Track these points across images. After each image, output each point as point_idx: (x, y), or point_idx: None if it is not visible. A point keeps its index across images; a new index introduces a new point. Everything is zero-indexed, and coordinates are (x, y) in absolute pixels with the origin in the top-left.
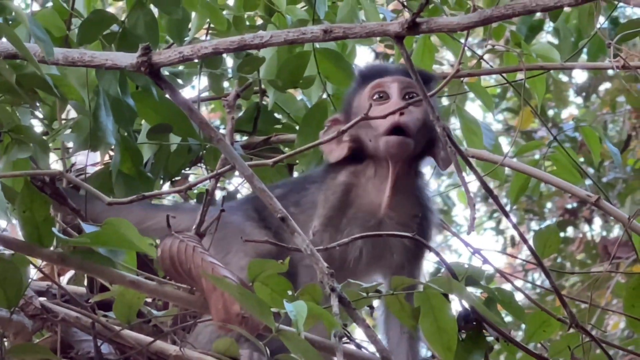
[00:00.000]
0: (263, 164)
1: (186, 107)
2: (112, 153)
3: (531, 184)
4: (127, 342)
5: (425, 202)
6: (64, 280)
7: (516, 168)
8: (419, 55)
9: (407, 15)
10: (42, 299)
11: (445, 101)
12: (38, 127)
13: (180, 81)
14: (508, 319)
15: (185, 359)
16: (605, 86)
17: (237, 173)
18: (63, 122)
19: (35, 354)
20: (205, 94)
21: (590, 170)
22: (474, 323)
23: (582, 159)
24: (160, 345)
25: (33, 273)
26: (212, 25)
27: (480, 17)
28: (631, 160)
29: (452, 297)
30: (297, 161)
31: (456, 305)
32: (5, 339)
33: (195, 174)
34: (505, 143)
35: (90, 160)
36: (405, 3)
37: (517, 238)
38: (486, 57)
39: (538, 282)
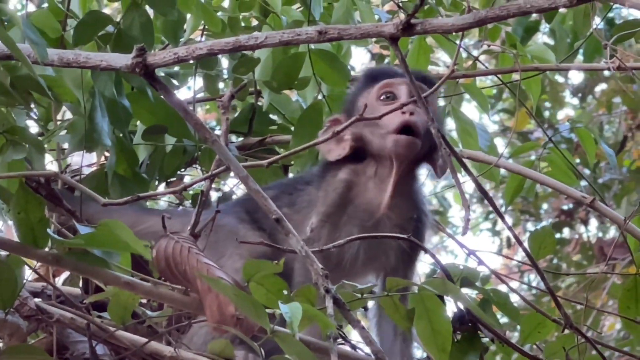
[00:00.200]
0: (258, 165)
1: (181, 108)
2: (107, 154)
3: (526, 185)
4: (122, 343)
5: (420, 205)
6: (59, 281)
7: (511, 169)
8: (415, 56)
9: (402, 16)
10: (37, 300)
11: (441, 102)
12: (33, 128)
13: (175, 82)
14: (504, 320)
15: None
16: (601, 87)
17: (232, 174)
18: (58, 123)
19: (30, 355)
20: (200, 95)
21: (587, 171)
22: (469, 324)
23: (578, 160)
24: (155, 346)
25: (28, 274)
26: (207, 27)
27: (475, 18)
28: (627, 161)
29: (447, 298)
30: (292, 162)
31: (452, 307)
32: (0, 340)
33: (191, 175)
34: (501, 144)
35: (85, 162)
36: (400, 4)
37: (513, 239)
38: (482, 57)
39: (534, 283)
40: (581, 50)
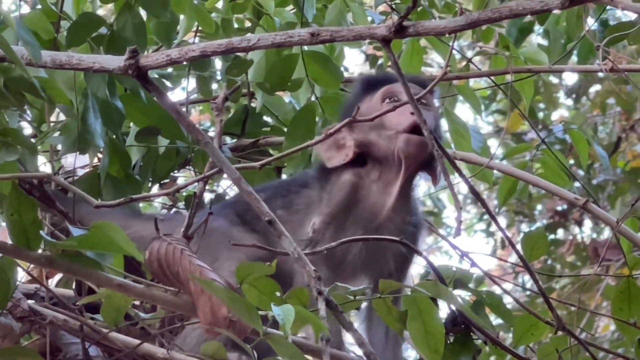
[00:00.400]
0: (250, 167)
1: (173, 110)
2: (100, 156)
3: (519, 186)
4: (115, 345)
5: (416, 210)
6: (52, 283)
7: (503, 170)
8: (408, 58)
9: (395, 18)
10: (30, 301)
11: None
12: (27, 129)
13: (168, 84)
14: (498, 321)
15: None
16: (595, 88)
17: (225, 176)
18: (51, 124)
19: (23, 356)
20: (193, 97)
21: (581, 173)
22: (462, 326)
23: (572, 161)
24: (147, 348)
25: (21, 276)
26: (200, 28)
27: (467, 20)
28: (621, 162)
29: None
30: (285, 164)
31: (445, 308)
32: None
33: (184, 177)
34: (495, 145)
35: (78, 163)
36: (393, 6)
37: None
38: (476, 59)
39: (528, 285)
40: (575, 51)
